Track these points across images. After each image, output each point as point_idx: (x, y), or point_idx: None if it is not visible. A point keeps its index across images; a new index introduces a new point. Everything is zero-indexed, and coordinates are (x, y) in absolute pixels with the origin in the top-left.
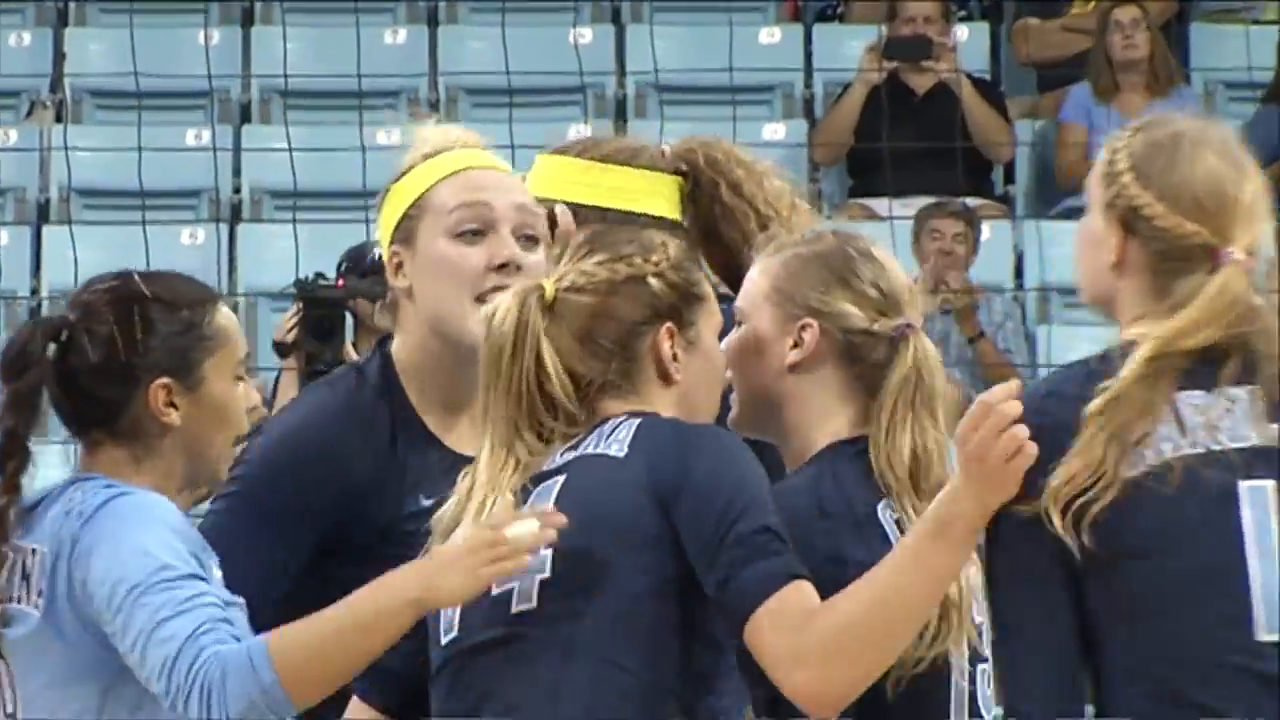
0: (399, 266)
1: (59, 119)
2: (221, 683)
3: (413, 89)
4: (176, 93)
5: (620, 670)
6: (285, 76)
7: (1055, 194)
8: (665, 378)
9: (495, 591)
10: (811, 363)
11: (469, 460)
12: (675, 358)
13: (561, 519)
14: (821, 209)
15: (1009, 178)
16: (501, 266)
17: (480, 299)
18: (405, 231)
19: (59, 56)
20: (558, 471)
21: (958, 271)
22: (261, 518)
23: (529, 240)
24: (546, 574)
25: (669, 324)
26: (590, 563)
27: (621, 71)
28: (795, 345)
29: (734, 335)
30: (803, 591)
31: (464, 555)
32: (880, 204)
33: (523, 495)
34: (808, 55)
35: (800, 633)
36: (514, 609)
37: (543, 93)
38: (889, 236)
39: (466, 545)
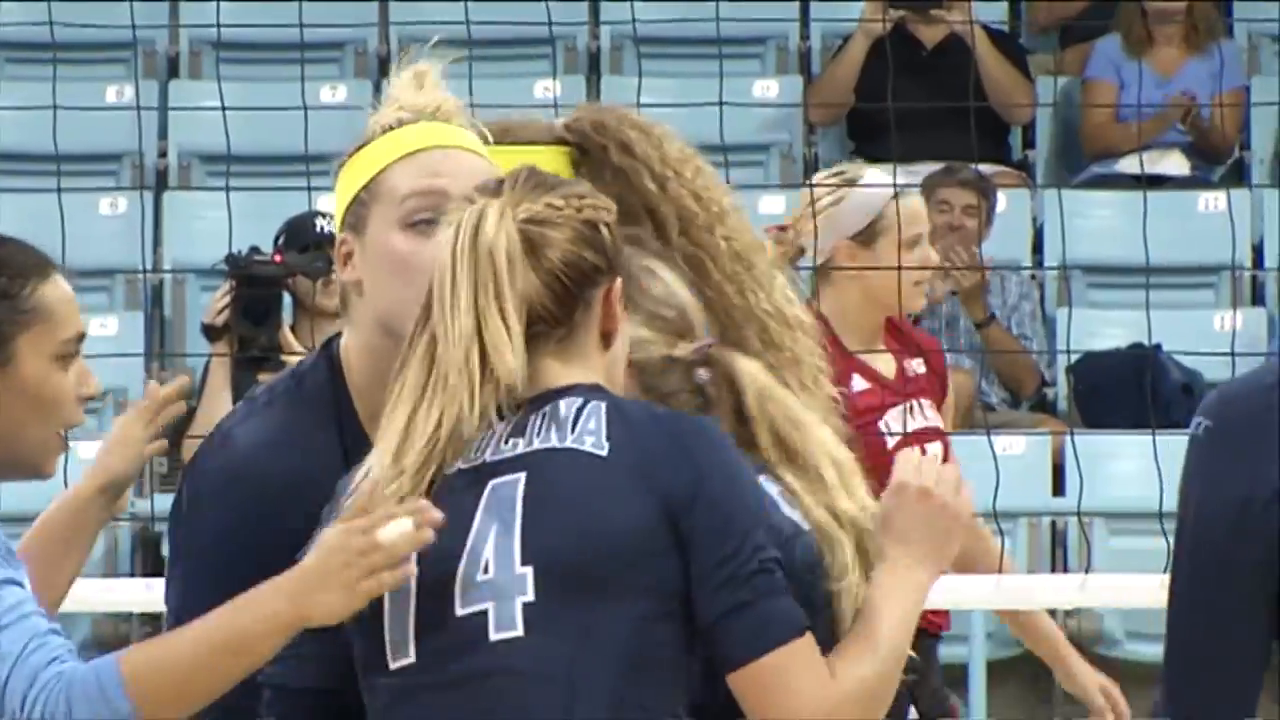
0: (348, 257)
1: None
2: (67, 712)
3: (360, 41)
4: (96, 44)
5: (640, 710)
6: (218, 26)
7: (1080, 160)
8: (608, 338)
9: (462, 612)
10: None
11: None
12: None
13: (438, 516)
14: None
15: (1028, 142)
16: None
17: None
18: (355, 218)
19: None
20: (510, 466)
21: (966, 247)
22: (226, 581)
23: None
24: (529, 596)
25: (619, 277)
26: (584, 582)
27: (595, 21)
28: None
29: None
30: (813, 645)
31: (337, 569)
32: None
33: (464, 489)
34: (804, 3)
35: (823, 689)
36: (493, 636)
37: (507, 45)
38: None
39: (337, 556)
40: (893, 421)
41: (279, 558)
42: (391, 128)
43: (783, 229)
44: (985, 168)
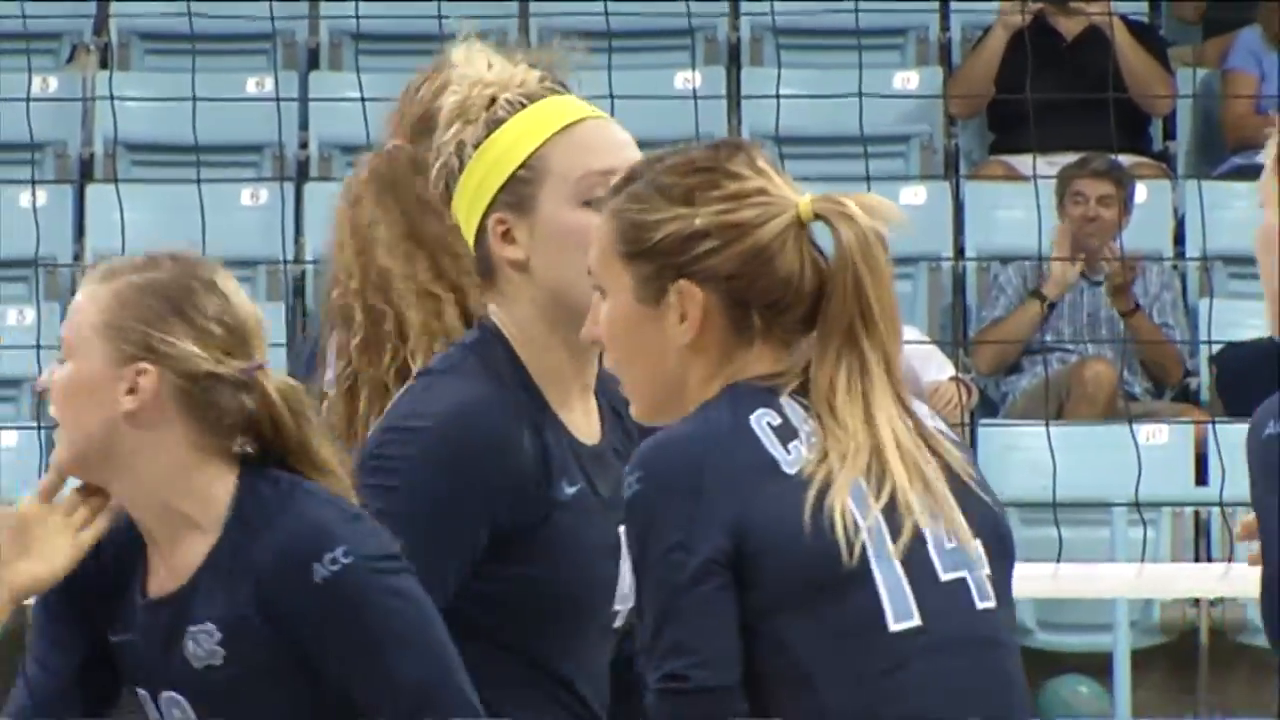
0: (506, 234)
1: (104, 65)
2: None
3: (500, 33)
4: (236, 35)
5: None
6: (357, 18)
7: (1220, 151)
8: None
9: (945, 578)
10: (152, 412)
11: (588, 447)
12: None
13: None
14: (959, 166)
15: (1168, 133)
16: None
17: None
18: (517, 197)
19: None
20: None
21: (1103, 238)
22: (435, 522)
23: None
24: (987, 569)
25: None
26: (998, 559)
27: (735, 12)
28: (131, 391)
29: (60, 373)
30: None
31: None
32: (1024, 161)
33: None
34: None
35: None
36: (978, 605)
37: (647, 36)
38: (1033, 198)
39: None
40: None
41: (479, 506)
42: (520, 105)
43: None
44: (1125, 159)
